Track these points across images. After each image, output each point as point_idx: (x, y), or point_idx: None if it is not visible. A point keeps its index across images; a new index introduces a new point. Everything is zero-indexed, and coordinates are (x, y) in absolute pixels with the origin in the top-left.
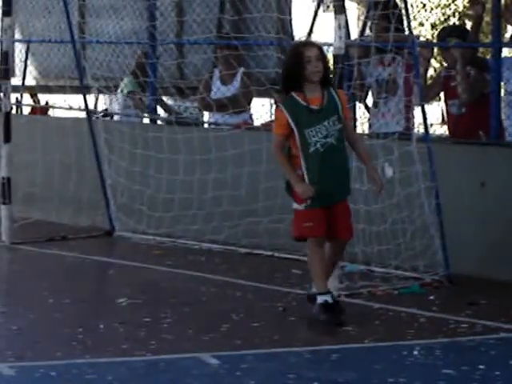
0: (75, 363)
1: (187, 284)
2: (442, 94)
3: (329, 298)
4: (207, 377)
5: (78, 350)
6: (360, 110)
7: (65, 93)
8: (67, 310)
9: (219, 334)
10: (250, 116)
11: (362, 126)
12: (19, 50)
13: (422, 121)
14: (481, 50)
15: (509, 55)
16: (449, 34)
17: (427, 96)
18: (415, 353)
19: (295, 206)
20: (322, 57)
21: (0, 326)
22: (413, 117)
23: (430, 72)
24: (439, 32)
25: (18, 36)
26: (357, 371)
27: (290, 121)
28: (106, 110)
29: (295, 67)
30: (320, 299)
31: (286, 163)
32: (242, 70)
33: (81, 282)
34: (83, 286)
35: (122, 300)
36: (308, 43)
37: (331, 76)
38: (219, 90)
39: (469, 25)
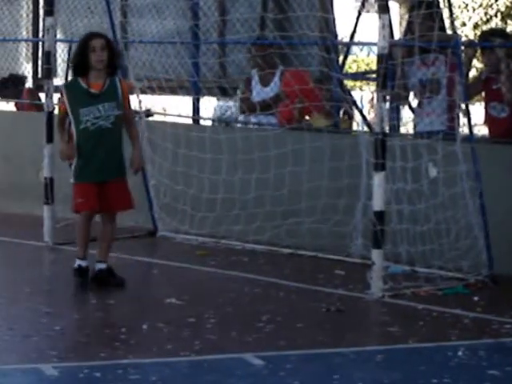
0: (119, 363)
1: (230, 284)
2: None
3: (82, 263)
4: (251, 377)
5: (122, 350)
6: (404, 109)
7: None
8: (111, 310)
9: (263, 334)
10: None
11: (406, 125)
12: (61, 49)
13: (465, 121)
14: None
15: None
16: (492, 35)
17: (468, 95)
18: (459, 354)
19: (71, 179)
20: (108, 47)
21: (44, 327)
22: (457, 117)
23: (473, 72)
24: (481, 33)
25: (60, 36)
26: (401, 372)
27: (66, 101)
28: (149, 110)
29: (81, 55)
30: (76, 263)
31: (61, 131)
32: (280, 69)
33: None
34: (126, 286)
35: (171, 300)
36: (94, 34)
37: (117, 65)
38: (259, 92)
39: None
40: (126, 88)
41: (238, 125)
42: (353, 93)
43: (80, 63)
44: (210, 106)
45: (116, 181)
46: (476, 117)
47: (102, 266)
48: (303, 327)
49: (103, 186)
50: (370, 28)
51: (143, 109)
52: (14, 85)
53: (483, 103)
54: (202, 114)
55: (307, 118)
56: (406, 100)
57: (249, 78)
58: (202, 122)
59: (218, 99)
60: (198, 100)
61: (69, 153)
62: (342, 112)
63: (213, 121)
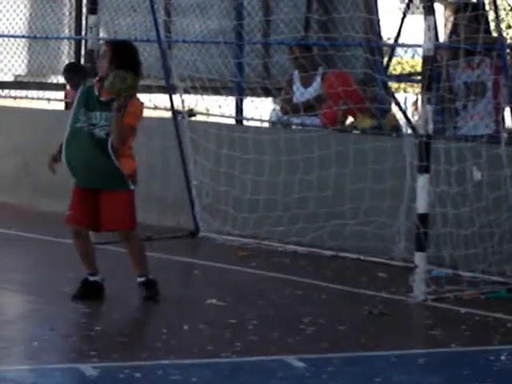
0: (159, 364)
1: (272, 286)
2: None
3: (89, 278)
4: (292, 379)
5: (163, 350)
6: (448, 112)
7: (150, 92)
8: (151, 310)
9: (305, 336)
10: None
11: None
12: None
13: (510, 124)
14: None
15: None
16: None
17: None
18: (502, 358)
19: None
20: (110, 55)
21: (84, 327)
22: (502, 120)
23: None
24: None
25: (103, 34)
26: (443, 376)
27: (76, 100)
28: (192, 109)
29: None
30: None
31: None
32: (320, 70)
33: (165, 282)
34: (167, 286)
35: (212, 301)
36: (104, 42)
37: None
38: (302, 93)
39: None
40: (134, 104)
41: (293, 126)
42: (397, 95)
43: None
44: (252, 106)
45: (108, 193)
46: None
47: (140, 279)
48: (345, 330)
49: (97, 197)
50: (415, 30)
51: (186, 109)
52: (75, 74)
53: None
54: (245, 114)
55: (351, 119)
56: (452, 103)
57: (291, 79)
58: (244, 122)
59: (274, 102)
60: (241, 100)
61: (50, 164)
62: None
63: (272, 123)
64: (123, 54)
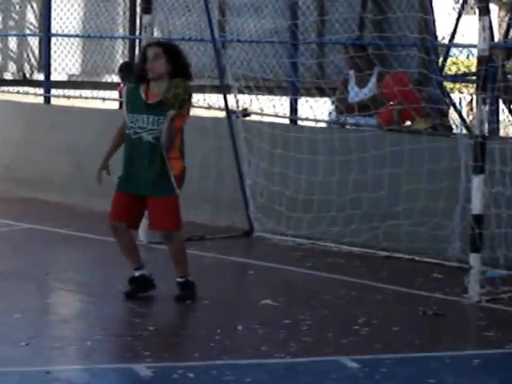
0: (213, 364)
1: (326, 286)
2: None
3: (134, 273)
4: (346, 380)
5: (216, 351)
6: (504, 113)
7: (204, 92)
8: (205, 310)
9: (359, 337)
10: None
11: (506, 128)
12: None
13: None
14: None
15: None
16: None
17: None
18: None
19: None
20: (163, 56)
21: (137, 326)
22: None
23: None
24: None
25: (157, 34)
26: (497, 377)
27: (124, 102)
28: (246, 109)
29: (140, 63)
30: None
31: (112, 139)
32: (376, 70)
33: (218, 282)
34: (221, 286)
35: (266, 301)
36: (152, 43)
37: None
38: (356, 93)
39: None
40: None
41: (347, 126)
42: (452, 95)
43: (138, 72)
44: (307, 105)
45: (154, 198)
46: None
47: (178, 279)
48: (399, 330)
49: (145, 201)
50: (470, 30)
51: (240, 108)
52: (131, 73)
53: None
54: (299, 114)
55: (408, 123)
56: (508, 103)
57: (346, 79)
58: (299, 122)
59: (332, 102)
60: (295, 100)
61: (99, 174)
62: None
63: (327, 123)
64: (179, 58)
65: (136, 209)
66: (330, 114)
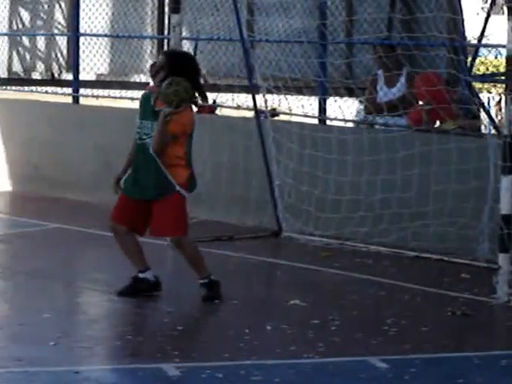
0: (242, 364)
1: (355, 286)
2: None
3: (139, 274)
4: (375, 380)
5: (245, 351)
6: None
7: (233, 92)
8: (234, 310)
9: (387, 337)
10: None
11: None
12: (187, 47)
13: None
14: None
15: None
16: None
17: None
18: None
19: None
20: (165, 66)
21: (166, 326)
22: None
23: None
24: None
25: (185, 34)
26: None
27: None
28: (274, 109)
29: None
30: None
31: (130, 151)
32: (404, 70)
33: (247, 282)
34: (249, 286)
35: (295, 301)
36: (161, 52)
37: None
38: (385, 93)
39: None
40: (184, 114)
41: (376, 126)
42: (480, 95)
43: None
44: (335, 105)
45: (159, 202)
46: None
47: (200, 281)
48: (428, 331)
49: (149, 206)
50: (498, 30)
51: (268, 108)
52: None
53: None
54: (328, 114)
55: (438, 123)
56: None
57: (374, 79)
58: (327, 122)
59: (360, 102)
60: (324, 100)
61: (114, 183)
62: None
63: (356, 123)
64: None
65: (139, 214)
66: (358, 113)
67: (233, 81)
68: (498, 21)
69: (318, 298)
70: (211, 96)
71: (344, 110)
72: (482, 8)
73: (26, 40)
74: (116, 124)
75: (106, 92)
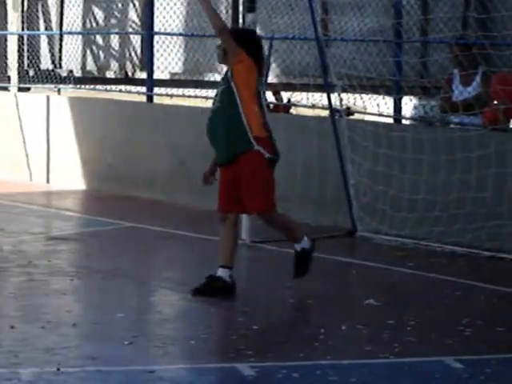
0: (317, 364)
1: (430, 286)
2: None
3: (217, 271)
4: (450, 381)
5: (321, 350)
6: None
7: (308, 91)
8: (309, 309)
9: (463, 337)
10: None
11: None
12: None
13: None
14: None
15: None
16: None
17: None
18: None
19: None
20: (222, 44)
21: (241, 326)
22: None
23: None
24: None
25: (260, 33)
26: None
27: None
28: (349, 108)
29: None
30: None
31: None
32: (480, 69)
33: (322, 282)
34: (324, 286)
35: (370, 301)
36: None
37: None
38: (460, 92)
39: None
40: (237, 70)
41: (438, 123)
42: None
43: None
44: (410, 104)
45: (241, 166)
46: None
47: (296, 246)
48: (504, 331)
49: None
50: None
51: (343, 107)
52: None
53: None
54: (403, 113)
55: None
56: None
57: (450, 78)
58: (403, 121)
59: (419, 98)
60: (399, 99)
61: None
62: None
63: (415, 120)
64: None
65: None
66: (431, 109)
67: (307, 80)
68: None
69: (392, 298)
70: (286, 95)
71: (419, 109)
72: None
73: (99, 39)
74: (190, 123)
75: (179, 91)
